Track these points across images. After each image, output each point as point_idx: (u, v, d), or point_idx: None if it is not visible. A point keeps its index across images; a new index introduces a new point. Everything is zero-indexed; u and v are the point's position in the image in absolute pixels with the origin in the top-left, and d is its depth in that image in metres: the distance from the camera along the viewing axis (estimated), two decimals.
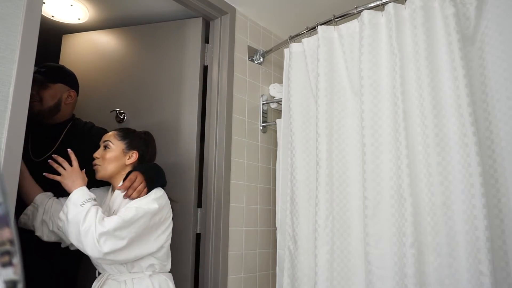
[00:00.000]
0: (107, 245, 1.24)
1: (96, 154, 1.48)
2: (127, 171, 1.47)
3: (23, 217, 1.46)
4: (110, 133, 1.53)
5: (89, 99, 2.15)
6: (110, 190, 1.53)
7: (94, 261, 1.44)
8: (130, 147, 1.50)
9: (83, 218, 1.25)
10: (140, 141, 1.54)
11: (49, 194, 1.53)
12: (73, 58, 2.26)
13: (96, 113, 2.09)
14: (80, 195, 1.32)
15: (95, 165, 1.47)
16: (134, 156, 1.49)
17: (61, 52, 2.29)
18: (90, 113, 2.12)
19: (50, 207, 1.47)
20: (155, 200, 1.38)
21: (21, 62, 1.22)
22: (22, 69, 1.22)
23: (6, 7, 1.21)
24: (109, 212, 1.44)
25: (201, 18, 2.02)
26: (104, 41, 2.22)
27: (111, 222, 1.27)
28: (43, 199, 1.49)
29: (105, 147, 1.49)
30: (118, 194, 1.44)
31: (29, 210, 1.47)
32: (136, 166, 1.50)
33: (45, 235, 1.47)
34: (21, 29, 1.23)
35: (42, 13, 1.65)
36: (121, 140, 1.50)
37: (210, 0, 1.89)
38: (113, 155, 1.47)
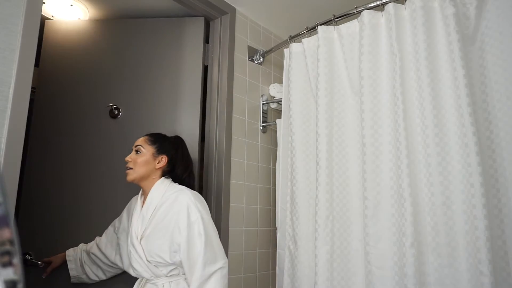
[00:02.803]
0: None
1: (128, 158, 1.52)
2: (157, 175, 1.51)
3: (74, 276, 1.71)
4: (142, 138, 1.56)
5: (82, 92, 2.01)
6: (140, 195, 1.55)
7: (126, 268, 1.51)
8: (160, 151, 1.53)
9: None
10: (170, 146, 1.57)
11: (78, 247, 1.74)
12: (59, 45, 2.05)
13: (89, 106, 1.98)
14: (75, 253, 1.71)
15: (127, 168, 1.51)
16: (163, 160, 1.52)
17: (43, 38, 2.05)
18: (83, 107, 1.98)
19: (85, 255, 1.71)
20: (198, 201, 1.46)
21: (21, 62, 1.22)
22: (22, 69, 1.22)
23: (6, 7, 1.21)
24: (142, 220, 1.46)
25: (203, 18, 2.01)
26: (101, 31, 2.08)
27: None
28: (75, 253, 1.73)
29: (137, 151, 1.52)
30: (151, 202, 1.46)
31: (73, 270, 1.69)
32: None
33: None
34: (21, 29, 1.23)
35: (42, 13, 1.65)
36: (151, 144, 1.53)
37: (210, 0, 1.89)
38: (144, 159, 1.50)
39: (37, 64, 1.87)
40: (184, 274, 1.40)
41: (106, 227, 1.71)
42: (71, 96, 2.01)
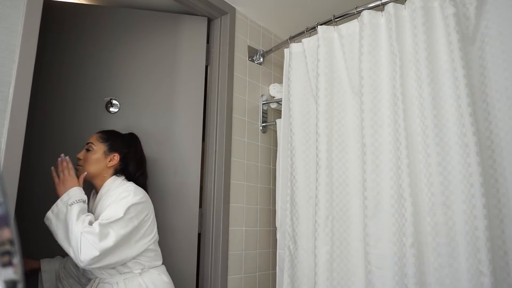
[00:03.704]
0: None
1: (79, 155, 1.50)
2: (109, 173, 1.48)
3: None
4: (94, 135, 1.53)
5: (78, 84, 1.84)
6: (92, 195, 1.53)
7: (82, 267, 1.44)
8: (112, 149, 1.50)
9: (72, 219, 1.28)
10: (122, 144, 1.54)
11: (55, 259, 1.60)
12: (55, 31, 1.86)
13: (85, 99, 1.84)
14: (69, 196, 1.34)
15: (78, 166, 1.49)
16: (115, 158, 1.49)
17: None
18: (80, 100, 1.83)
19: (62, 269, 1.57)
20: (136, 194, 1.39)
21: (21, 62, 1.22)
22: (22, 69, 1.22)
23: (6, 7, 1.21)
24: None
25: (206, 18, 1.99)
26: (101, 18, 1.94)
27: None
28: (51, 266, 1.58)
29: (87, 149, 1.49)
30: (101, 198, 1.44)
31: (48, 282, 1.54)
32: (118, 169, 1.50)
33: None
34: (21, 29, 1.23)
35: None
36: (103, 142, 1.50)
37: (210, 0, 1.89)
38: (94, 157, 1.47)
39: None
40: (137, 270, 1.38)
41: None
42: (66, 87, 1.84)
